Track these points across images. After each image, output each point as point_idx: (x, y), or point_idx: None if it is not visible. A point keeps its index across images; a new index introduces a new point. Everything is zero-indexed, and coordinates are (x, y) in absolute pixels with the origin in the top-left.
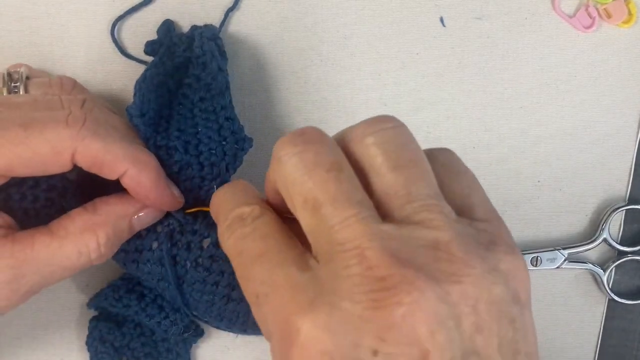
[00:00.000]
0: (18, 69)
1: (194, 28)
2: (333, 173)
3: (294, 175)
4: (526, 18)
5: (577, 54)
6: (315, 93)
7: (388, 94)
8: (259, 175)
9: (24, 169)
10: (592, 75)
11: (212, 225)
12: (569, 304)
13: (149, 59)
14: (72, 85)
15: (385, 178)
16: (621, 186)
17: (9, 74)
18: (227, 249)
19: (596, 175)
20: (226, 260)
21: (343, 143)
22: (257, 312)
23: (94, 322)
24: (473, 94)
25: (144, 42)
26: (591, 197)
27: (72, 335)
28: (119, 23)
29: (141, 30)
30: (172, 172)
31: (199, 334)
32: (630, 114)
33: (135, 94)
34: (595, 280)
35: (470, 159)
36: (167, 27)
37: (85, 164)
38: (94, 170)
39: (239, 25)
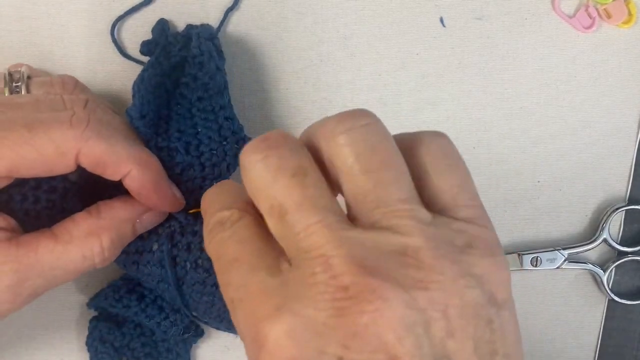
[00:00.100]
0: (19, 69)
1: (190, 27)
2: (298, 178)
3: (259, 182)
4: (526, 18)
5: (577, 54)
6: (315, 93)
7: (388, 94)
8: None
9: (28, 170)
10: (592, 75)
11: None
12: (569, 304)
13: (148, 59)
14: (74, 85)
15: (355, 181)
16: (621, 186)
17: (10, 74)
18: (209, 253)
19: (596, 175)
20: None
21: (314, 139)
22: (233, 317)
23: (94, 322)
24: (473, 94)
25: None
26: (591, 197)
27: (72, 335)
28: (118, 23)
29: (141, 31)
30: (174, 173)
31: (199, 334)
32: (630, 114)
33: (134, 96)
34: (595, 280)
35: (470, 159)
36: (162, 27)
37: (89, 164)
38: (97, 171)
39: (238, 25)
